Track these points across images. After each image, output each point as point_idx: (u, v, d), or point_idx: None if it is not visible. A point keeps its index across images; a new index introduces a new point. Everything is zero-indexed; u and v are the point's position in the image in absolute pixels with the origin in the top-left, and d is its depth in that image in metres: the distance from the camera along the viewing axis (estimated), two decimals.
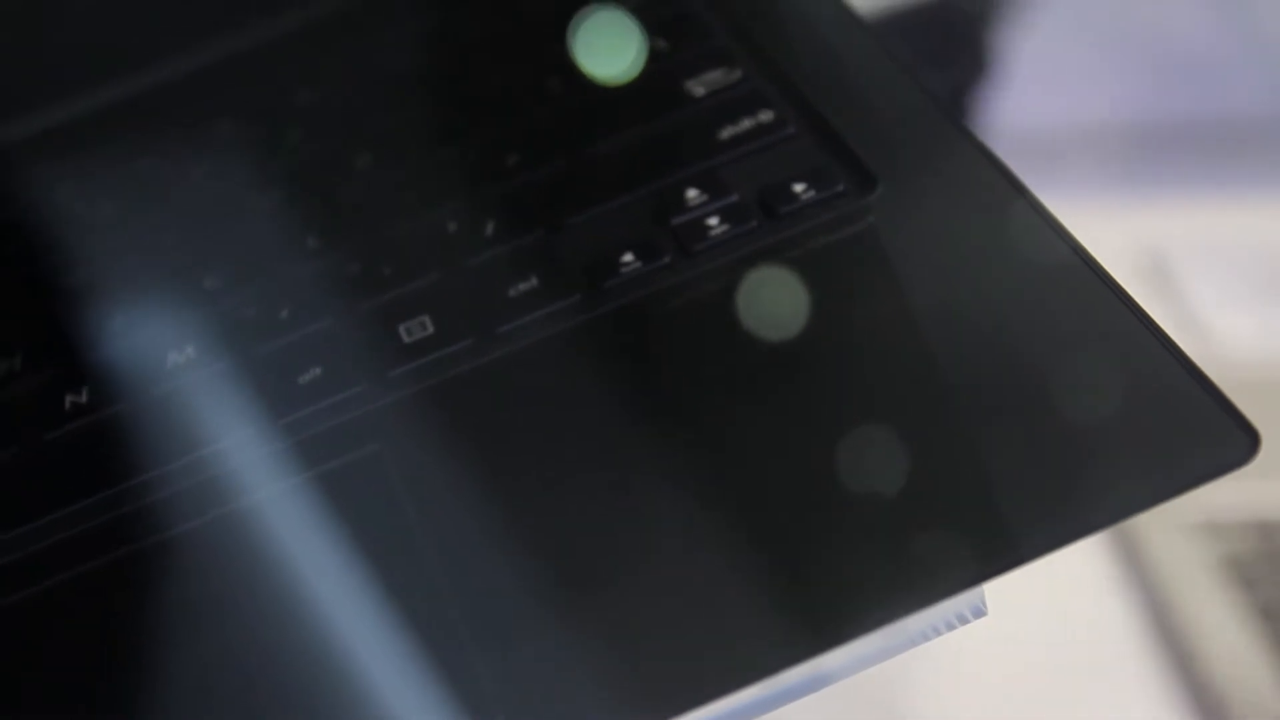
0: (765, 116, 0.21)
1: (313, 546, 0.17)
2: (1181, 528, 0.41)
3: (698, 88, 0.22)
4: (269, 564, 0.17)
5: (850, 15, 0.23)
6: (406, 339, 0.19)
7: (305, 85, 0.24)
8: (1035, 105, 0.49)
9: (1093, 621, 0.39)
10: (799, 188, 0.20)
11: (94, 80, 0.23)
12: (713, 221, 0.20)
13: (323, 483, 0.18)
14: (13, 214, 0.23)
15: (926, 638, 0.16)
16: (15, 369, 0.20)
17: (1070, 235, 0.18)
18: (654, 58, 0.23)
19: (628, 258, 0.19)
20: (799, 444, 0.17)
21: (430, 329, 0.19)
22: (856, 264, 0.19)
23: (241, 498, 0.17)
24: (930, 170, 0.20)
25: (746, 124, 0.21)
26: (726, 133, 0.21)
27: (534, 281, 0.19)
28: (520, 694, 0.15)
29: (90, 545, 0.17)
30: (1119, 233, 0.47)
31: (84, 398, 0.19)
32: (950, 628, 0.16)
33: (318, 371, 0.19)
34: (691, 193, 0.20)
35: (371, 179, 0.22)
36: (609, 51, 0.22)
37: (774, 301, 0.19)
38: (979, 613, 0.16)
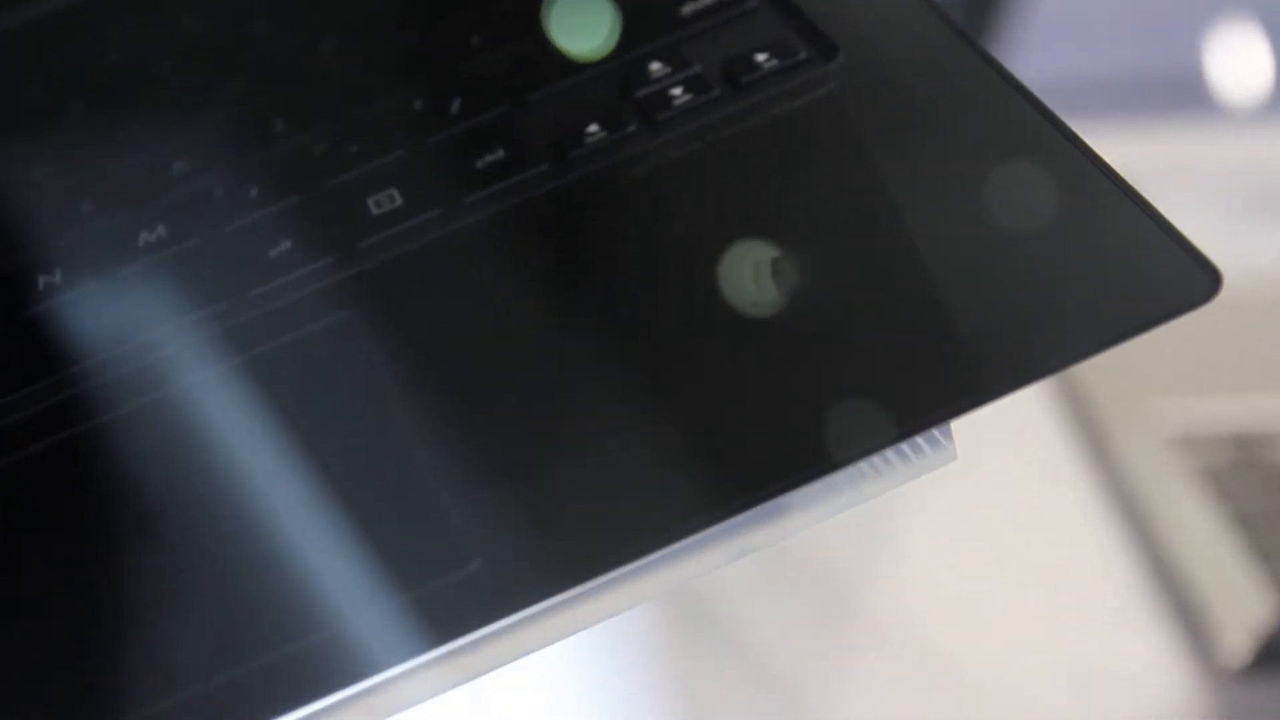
0: None
1: (286, 408, 0.17)
2: (1159, 441, 0.41)
3: None
4: (244, 425, 0.17)
5: None
6: (375, 211, 0.19)
7: None
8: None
9: (1072, 535, 0.39)
10: (760, 58, 0.20)
11: None
12: (676, 92, 0.20)
13: (296, 348, 0.18)
14: None
15: (894, 478, 0.16)
16: None
17: (1027, 90, 0.18)
18: None
19: (593, 128, 0.20)
20: (759, 297, 0.17)
21: (399, 201, 0.19)
22: (816, 128, 0.19)
23: (217, 364, 0.18)
24: (894, 41, 0.20)
25: (708, 0, 0.22)
26: (688, 9, 0.21)
27: (500, 154, 0.20)
28: (495, 539, 0.15)
29: (59, 419, 0.18)
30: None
31: (56, 278, 0.19)
32: (914, 461, 0.16)
33: (288, 245, 0.19)
34: (654, 65, 0.21)
35: (337, 63, 0.22)
36: (583, 29, 0.22)
37: (737, 174, 0.19)
38: (939, 445, 0.16)
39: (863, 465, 0.16)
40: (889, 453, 0.16)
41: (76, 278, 0.19)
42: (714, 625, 0.31)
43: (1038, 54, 0.48)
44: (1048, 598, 0.37)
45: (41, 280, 0.19)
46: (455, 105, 0.21)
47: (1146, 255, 0.16)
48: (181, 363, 0.18)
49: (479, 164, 0.20)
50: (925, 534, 0.37)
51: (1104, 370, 0.41)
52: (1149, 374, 0.42)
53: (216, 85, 0.22)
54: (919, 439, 0.16)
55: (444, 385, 0.17)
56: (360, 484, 0.16)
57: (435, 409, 0.17)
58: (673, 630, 0.31)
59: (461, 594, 0.15)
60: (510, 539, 0.15)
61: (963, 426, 0.16)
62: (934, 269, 0.17)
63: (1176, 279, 0.16)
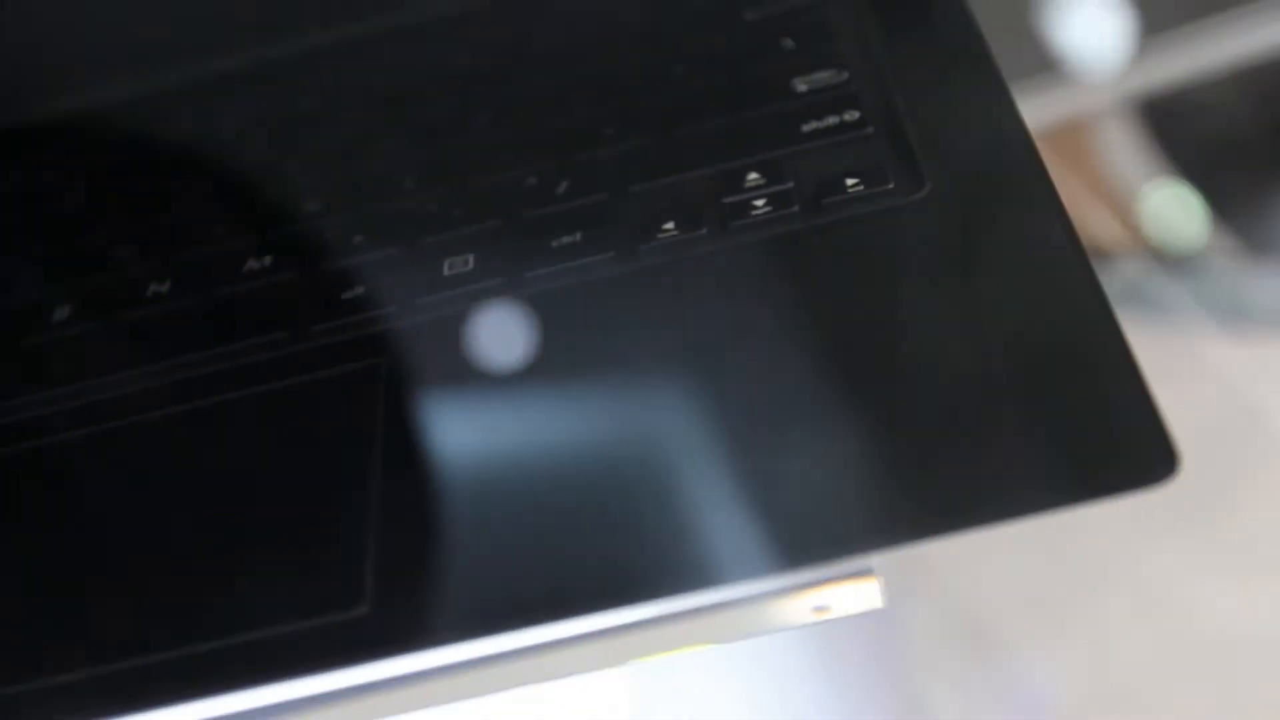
0: (850, 116, 0.21)
1: None
2: None
3: (801, 84, 0.23)
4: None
5: (978, 38, 0.22)
6: (447, 272, 0.21)
7: (461, 52, 0.27)
8: None
9: None
10: (851, 181, 0.20)
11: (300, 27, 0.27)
12: (759, 203, 0.20)
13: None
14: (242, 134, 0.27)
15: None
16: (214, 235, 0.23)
17: (1090, 269, 0.17)
18: (775, 55, 0.24)
19: (668, 225, 0.20)
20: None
21: (471, 265, 0.21)
22: (872, 250, 0.19)
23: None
24: (980, 186, 0.19)
25: (831, 121, 0.21)
26: (810, 126, 0.21)
27: (576, 237, 0.20)
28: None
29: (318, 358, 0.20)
30: None
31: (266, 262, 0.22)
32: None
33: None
34: (752, 175, 0.21)
35: (486, 135, 0.24)
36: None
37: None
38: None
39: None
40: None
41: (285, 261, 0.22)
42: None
43: None
44: None
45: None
46: (562, 186, 0.22)
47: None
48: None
49: (554, 243, 0.20)
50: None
51: None
52: None
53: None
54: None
55: None
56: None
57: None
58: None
59: None
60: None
61: None
62: (917, 408, 0.16)
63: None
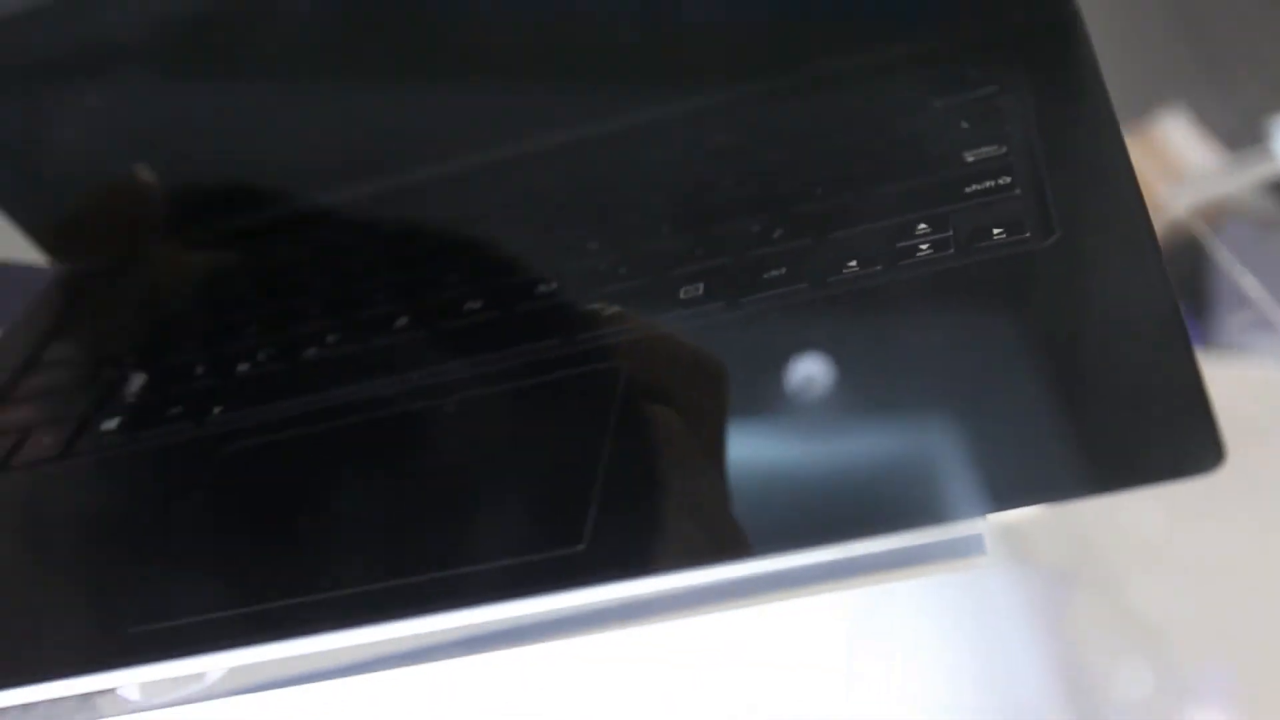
0: (1003, 180, 0.27)
1: None
2: None
3: (970, 156, 0.28)
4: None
5: (1114, 125, 0.27)
6: (682, 296, 0.28)
7: (715, 133, 0.34)
8: None
9: None
10: (997, 231, 0.25)
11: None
12: (924, 247, 0.26)
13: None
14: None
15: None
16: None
17: (1175, 302, 0.22)
18: (953, 134, 0.30)
19: (851, 264, 0.26)
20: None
21: (700, 291, 0.28)
22: (1001, 284, 0.24)
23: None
24: (1101, 239, 0.24)
25: (988, 184, 0.27)
26: (971, 188, 0.27)
27: (783, 270, 0.27)
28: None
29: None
30: None
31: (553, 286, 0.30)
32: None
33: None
34: (921, 226, 0.27)
35: (733, 196, 0.31)
36: None
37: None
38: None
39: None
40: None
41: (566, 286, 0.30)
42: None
43: None
44: None
45: (540, 287, 0.30)
46: (777, 233, 0.29)
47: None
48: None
49: (765, 275, 0.27)
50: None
51: None
52: None
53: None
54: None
55: None
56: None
57: None
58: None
59: None
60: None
61: None
62: (1019, 406, 0.21)
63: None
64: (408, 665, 0.24)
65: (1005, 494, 0.20)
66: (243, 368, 0.31)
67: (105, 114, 0.38)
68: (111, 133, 0.39)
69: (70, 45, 0.36)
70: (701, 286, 0.28)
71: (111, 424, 0.31)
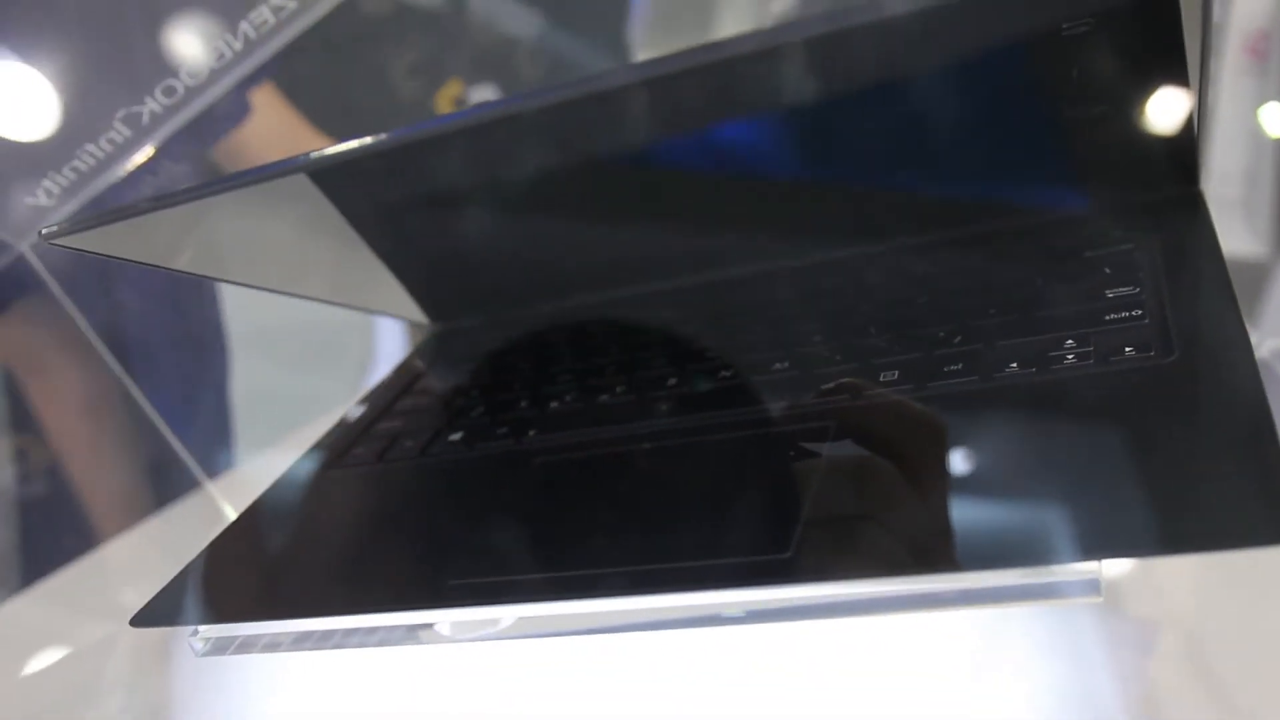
0: (1135, 313, 0.36)
1: None
2: None
3: (1111, 293, 0.37)
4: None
5: (1224, 273, 0.36)
6: (883, 379, 0.37)
7: (917, 263, 0.44)
8: None
9: None
10: (1128, 349, 0.34)
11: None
12: (1069, 358, 0.35)
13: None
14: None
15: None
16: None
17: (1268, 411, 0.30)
18: (1099, 275, 0.39)
19: (1013, 365, 0.36)
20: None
21: (896, 375, 0.37)
22: (1123, 394, 0.33)
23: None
24: (1213, 361, 0.33)
25: (1124, 314, 0.36)
26: (1109, 317, 0.36)
27: (960, 366, 0.37)
28: None
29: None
30: None
31: (786, 364, 0.41)
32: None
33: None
34: (1069, 342, 0.36)
35: (928, 310, 0.41)
36: None
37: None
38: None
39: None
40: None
41: (796, 364, 0.40)
42: None
43: None
44: None
45: (776, 364, 0.41)
46: (958, 339, 0.38)
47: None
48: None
49: (946, 369, 0.37)
50: None
51: None
52: None
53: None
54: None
55: None
56: None
57: None
58: None
59: None
60: None
61: None
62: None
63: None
64: (646, 631, 0.33)
65: (1115, 545, 0.27)
66: (554, 405, 0.42)
67: (475, 212, 0.51)
68: (478, 222, 0.53)
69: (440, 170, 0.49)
70: (897, 373, 0.38)
71: (456, 436, 0.42)
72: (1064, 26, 0.38)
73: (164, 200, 0.37)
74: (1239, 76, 0.99)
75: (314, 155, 0.34)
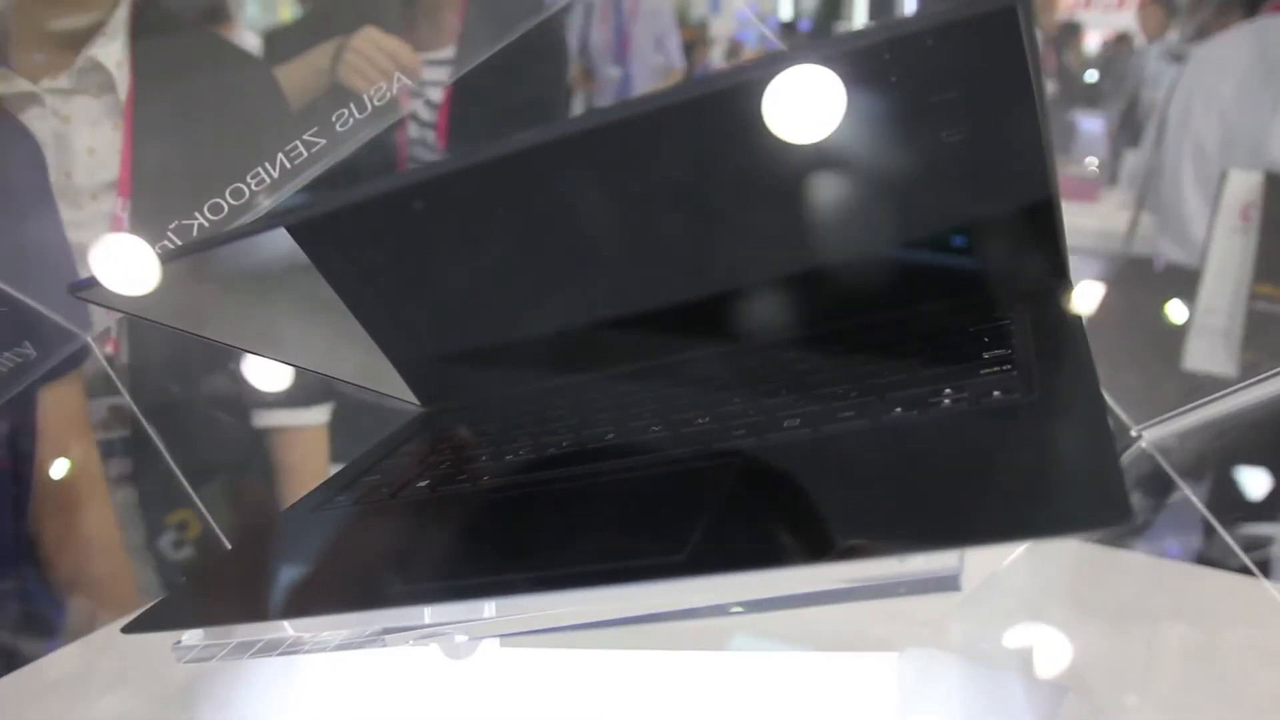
0: (1006, 368, 0.41)
1: None
2: None
3: (987, 354, 0.43)
4: None
5: (1084, 341, 0.42)
6: (785, 425, 0.43)
7: (831, 342, 0.50)
8: None
9: None
10: (997, 393, 0.40)
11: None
12: (946, 401, 0.40)
13: None
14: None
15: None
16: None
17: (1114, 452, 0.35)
18: (978, 341, 0.44)
19: (898, 409, 0.41)
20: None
21: (799, 423, 0.43)
22: (1000, 420, 0.38)
23: None
24: (1068, 399, 0.38)
25: (996, 369, 0.42)
26: (984, 371, 0.42)
27: (851, 412, 0.42)
28: None
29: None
30: None
31: (798, 422, 0.46)
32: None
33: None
34: (948, 390, 0.41)
35: (832, 370, 0.47)
36: None
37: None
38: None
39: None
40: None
41: (715, 419, 0.46)
42: None
43: None
44: None
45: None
46: (852, 394, 0.44)
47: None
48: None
49: (840, 415, 0.42)
50: None
51: None
52: None
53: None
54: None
55: None
56: None
57: None
58: None
59: None
60: None
61: None
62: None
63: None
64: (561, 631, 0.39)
65: (974, 536, 0.31)
66: (509, 458, 0.48)
67: (465, 289, 0.58)
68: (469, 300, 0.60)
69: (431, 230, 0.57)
70: (798, 420, 0.43)
71: (424, 484, 0.48)
72: (944, 134, 0.45)
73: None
74: (1232, 234, 1.43)
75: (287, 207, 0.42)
